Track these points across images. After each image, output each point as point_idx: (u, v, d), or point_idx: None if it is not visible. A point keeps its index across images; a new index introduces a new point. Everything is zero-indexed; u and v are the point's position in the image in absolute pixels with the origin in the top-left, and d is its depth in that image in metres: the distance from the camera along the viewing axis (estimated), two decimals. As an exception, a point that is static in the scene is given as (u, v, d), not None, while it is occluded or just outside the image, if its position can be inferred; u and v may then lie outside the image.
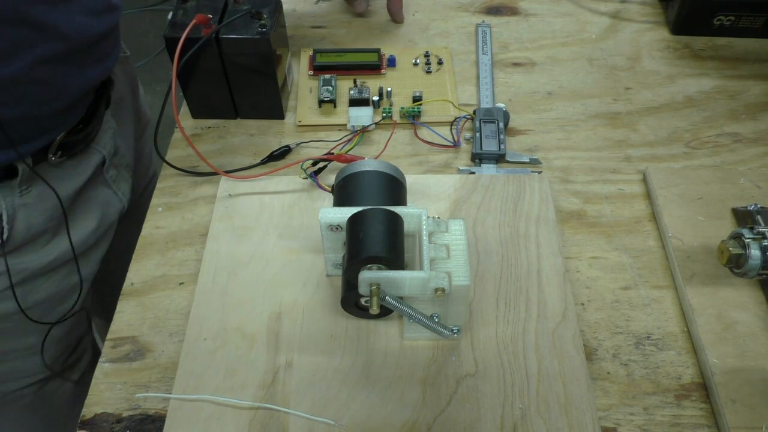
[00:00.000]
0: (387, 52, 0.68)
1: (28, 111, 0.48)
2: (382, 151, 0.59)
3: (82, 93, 0.53)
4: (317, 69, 0.66)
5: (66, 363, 0.69)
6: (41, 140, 0.52)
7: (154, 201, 0.57)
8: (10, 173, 0.52)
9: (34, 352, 0.63)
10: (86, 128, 0.56)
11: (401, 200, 0.47)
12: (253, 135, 0.62)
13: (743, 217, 0.52)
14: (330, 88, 0.63)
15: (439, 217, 0.45)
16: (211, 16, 0.56)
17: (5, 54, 0.45)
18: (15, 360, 0.63)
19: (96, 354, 0.76)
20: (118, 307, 0.50)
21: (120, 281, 0.52)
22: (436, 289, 0.41)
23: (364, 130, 0.61)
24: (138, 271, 0.52)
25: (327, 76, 0.64)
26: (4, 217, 0.52)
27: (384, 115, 0.62)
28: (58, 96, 0.51)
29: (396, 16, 0.73)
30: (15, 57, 0.45)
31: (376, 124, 0.61)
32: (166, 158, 0.59)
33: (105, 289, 0.79)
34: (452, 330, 0.44)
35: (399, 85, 0.65)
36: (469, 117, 0.63)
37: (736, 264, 0.47)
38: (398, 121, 0.62)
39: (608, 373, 0.46)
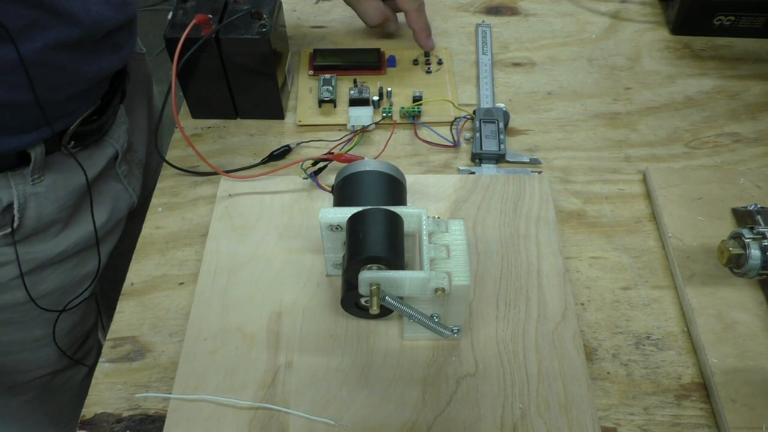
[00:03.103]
0: (387, 52, 0.68)
1: (40, 96, 0.48)
2: (382, 151, 0.59)
3: (96, 81, 0.53)
4: (317, 69, 0.66)
5: (74, 357, 0.69)
6: (54, 126, 0.51)
7: (154, 201, 0.57)
8: (23, 160, 0.52)
9: (42, 345, 0.63)
10: (100, 119, 0.56)
11: (401, 200, 0.47)
12: (253, 135, 0.62)
13: (743, 217, 0.52)
14: (330, 88, 0.63)
15: (439, 217, 0.45)
16: (211, 16, 0.56)
17: (18, 34, 0.44)
18: (23, 352, 0.64)
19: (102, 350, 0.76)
20: (118, 307, 0.50)
21: None
22: (436, 289, 0.41)
23: (364, 130, 0.61)
24: (138, 271, 0.52)
25: (327, 76, 0.64)
26: (15, 205, 0.53)
27: (384, 115, 0.62)
28: (71, 82, 0.50)
29: (425, 46, 0.67)
30: (28, 38, 0.45)
31: (376, 124, 0.61)
32: (166, 158, 0.59)
33: (112, 287, 0.79)
34: (452, 330, 0.44)
35: (399, 85, 0.65)
36: (469, 117, 0.63)
37: (736, 264, 0.47)
38: (398, 121, 0.62)
39: (608, 373, 0.46)
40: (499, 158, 0.59)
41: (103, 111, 0.56)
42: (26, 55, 0.45)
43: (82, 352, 0.70)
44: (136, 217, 0.66)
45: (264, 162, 0.59)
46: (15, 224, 0.53)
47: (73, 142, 0.54)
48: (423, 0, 0.65)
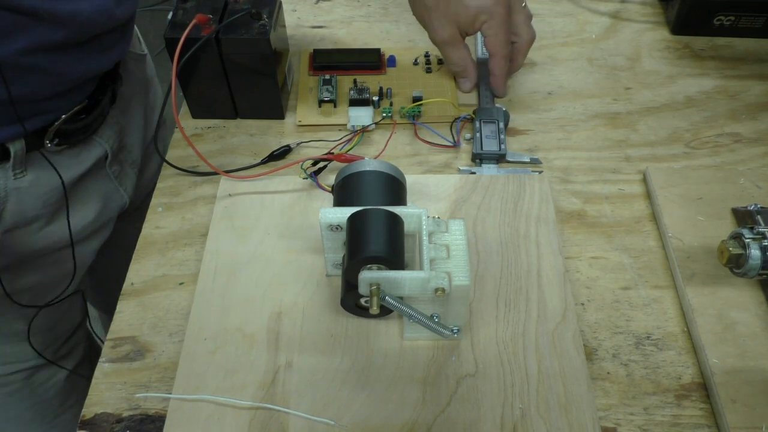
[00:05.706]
0: (387, 52, 0.68)
1: (19, 94, 0.47)
2: (382, 151, 0.59)
3: (81, 81, 0.52)
4: (317, 69, 0.66)
5: (58, 352, 0.69)
6: (33, 122, 0.50)
7: (154, 201, 0.57)
8: (4, 155, 0.51)
9: (21, 339, 0.62)
10: (87, 118, 0.55)
11: (401, 200, 0.47)
12: (253, 135, 0.62)
13: (743, 217, 0.52)
14: (330, 88, 0.63)
15: (439, 217, 0.45)
16: (211, 16, 0.56)
17: None
18: (2, 345, 0.63)
19: (91, 347, 0.76)
20: (118, 307, 0.50)
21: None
22: (436, 289, 0.41)
23: (364, 130, 0.61)
24: (138, 271, 0.52)
25: (327, 76, 0.64)
26: None
27: (384, 115, 0.62)
28: (53, 82, 0.50)
29: (498, 93, 0.65)
30: (6, 40, 0.44)
31: (376, 124, 0.61)
32: (166, 158, 0.59)
33: (103, 284, 0.79)
34: (452, 330, 0.44)
35: (399, 85, 0.65)
36: (469, 117, 0.63)
37: (736, 264, 0.47)
38: (398, 121, 0.62)
39: (608, 373, 0.46)
40: (499, 158, 0.59)
41: (90, 110, 0.55)
42: (4, 57, 0.44)
43: (65, 349, 0.69)
44: (131, 216, 0.66)
45: (264, 162, 0.59)
46: None
47: (57, 140, 0.53)
48: (513, 48, 0.62)
